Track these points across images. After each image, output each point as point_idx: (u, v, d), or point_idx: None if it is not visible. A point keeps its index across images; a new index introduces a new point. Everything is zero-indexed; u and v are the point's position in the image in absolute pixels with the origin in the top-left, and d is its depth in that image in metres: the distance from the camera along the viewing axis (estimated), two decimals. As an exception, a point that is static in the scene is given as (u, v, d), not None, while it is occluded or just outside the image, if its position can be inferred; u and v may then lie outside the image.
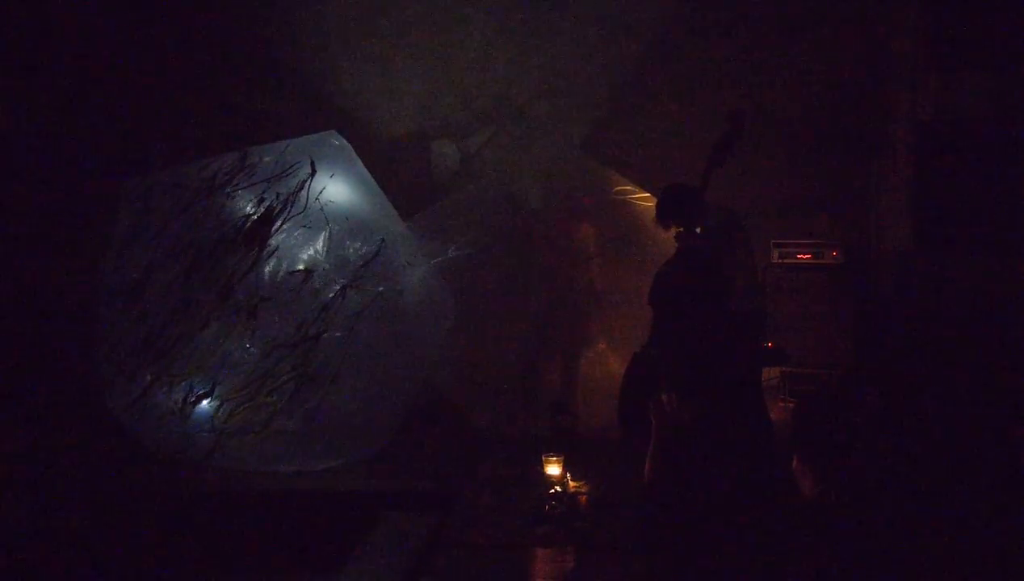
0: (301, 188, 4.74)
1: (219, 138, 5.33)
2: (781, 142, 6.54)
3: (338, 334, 4.71)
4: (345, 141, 5.00)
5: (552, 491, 4.24)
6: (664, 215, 4.08)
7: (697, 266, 3.80)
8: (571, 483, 4.40)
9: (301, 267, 4.75)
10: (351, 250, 4.82)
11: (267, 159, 4.85)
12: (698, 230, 4.03)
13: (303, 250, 4.79)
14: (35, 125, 6.32)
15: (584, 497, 4.34)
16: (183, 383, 4.72)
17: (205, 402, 4.74)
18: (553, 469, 4.40)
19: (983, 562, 3.26)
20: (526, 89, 6.67)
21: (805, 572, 2.28)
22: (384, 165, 5.38)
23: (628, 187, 5.73)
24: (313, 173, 4.77)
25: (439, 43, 6.73)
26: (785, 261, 6.32)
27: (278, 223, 4.72)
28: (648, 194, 5.65)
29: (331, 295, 4.72)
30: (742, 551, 2.92)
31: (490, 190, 5.88)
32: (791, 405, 5.67)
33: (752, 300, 4.27)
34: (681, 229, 4.05)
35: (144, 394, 4.74)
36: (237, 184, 4.78)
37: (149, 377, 4.73)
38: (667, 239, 4.77)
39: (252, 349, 4.70)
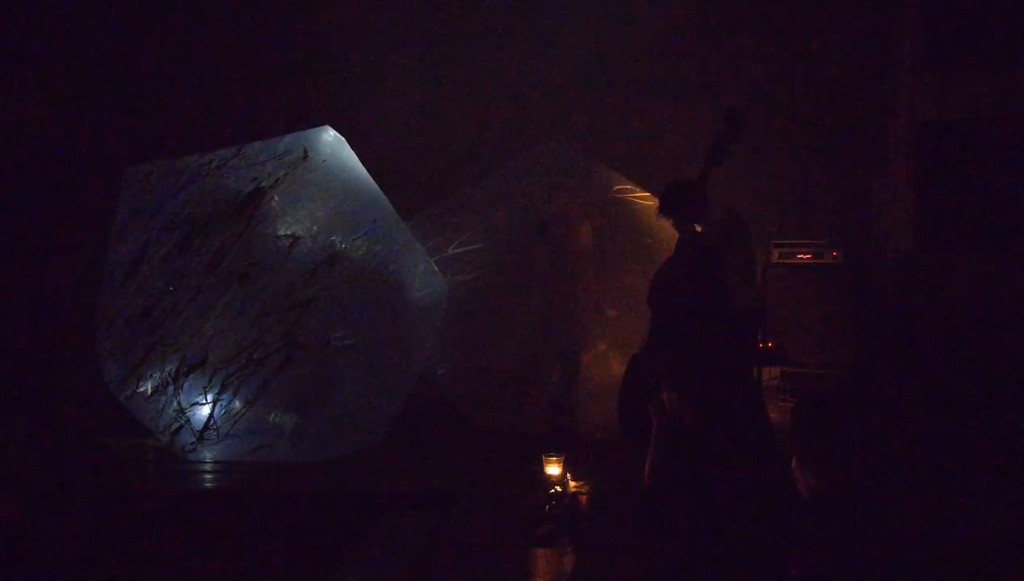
0: (294, 168, 4.88)
1: (216, 138, 5.37)
2: (781, 142, 6.55)
3: (328, 302, 4.80)
4: (339, 134, 5.06)
5: (552, 491, 4.23)
6: (667, 209, 4.08)
7: (696, 264, 3.80)
8: (571, 483, 4.39)
9: (288, 234, 4.84)
10: (341, 223, 4.92)
11: (262, 150, 4.98)
12: (699, 228, 4.03)
13: (292, 219, 4.89)
14: (37, 125, 6.34)
15: (584, 497, 4.33)
16: (176, 354, 4.79)
17: (198, 372, 4.80)
18: (553, 469, 4.39)
19: (983, 562, 3.26)
20: (526, 89, 6.68)
21: (804, 573, 2.28)
22: (382, 167, 5.40)
23: (628, 186, 5.72)
24: (305, 157, 4.90)
25: (438, 43, 6.74)
26: (785, 261, 6.32)
27: (267, 196, 4.84)
28: (648, 193, 5.64)
29: (320, 261, 4.81)
30: (741, 552, 2.92)
31: (491, 191, 5.87)
32: (791, 405, 5.67)
33: (749, 299, 4.26)
34: (682, 224, 4.05)
35: (140, 365, 4.81)
36: (232, 167, 4.92)
37: (144, 349, 4.80)
38: (667, 238, 4.75)
39: (243, 315, 4.76)
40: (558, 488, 4.25)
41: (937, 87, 6.16)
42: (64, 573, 4.04)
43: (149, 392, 4.84)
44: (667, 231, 5.24)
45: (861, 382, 5.79)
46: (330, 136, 5.05)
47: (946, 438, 4.48)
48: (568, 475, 4.40)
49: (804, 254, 6.31)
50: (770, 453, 3.63)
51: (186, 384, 4.81)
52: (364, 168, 5.14)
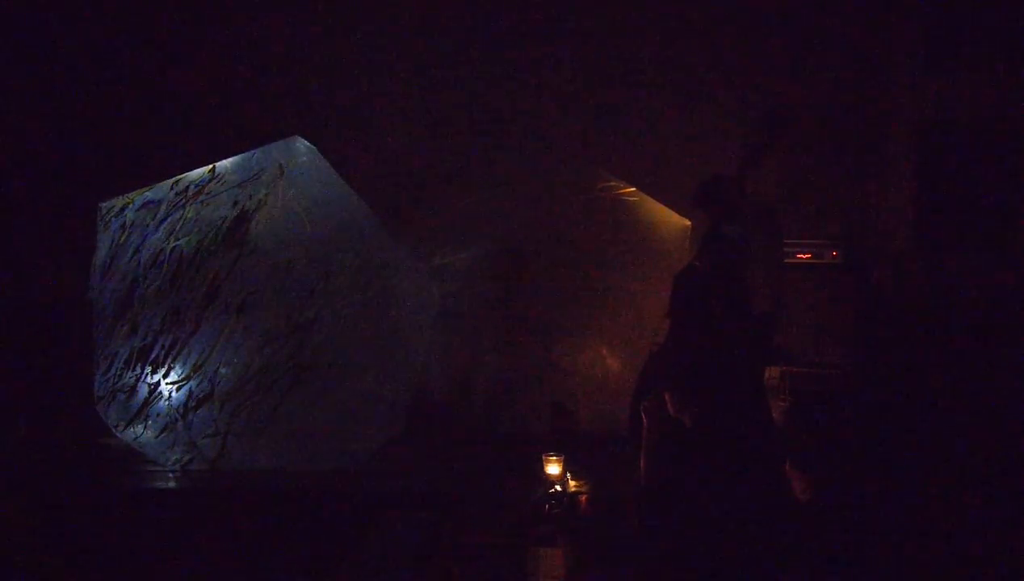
0: (272, 187, 4.88)
1: (189, 156, 5.33)
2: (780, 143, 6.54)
3: (328, 320, 4.81)
4: (311, 145, 5.04)
5: (552, 491, 4.25)
6: (699, 203, 4.06)
7: (722, 267, 3.79)
8: (571, 483, 4.41)
9: (282, 258, 4.84)
10: (329, 238, 4.91)
11: (235, 168, 4.96)
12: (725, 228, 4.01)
13: (282, 242, 4.88)
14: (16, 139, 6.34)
15: (584, 497, 4.34)
16: (182, 390, 4.76)
17: (206, 406, 4.78)
18: (553, 469, 4.41)
19: (981, 564, 3.26)
20: (519, 89, 6.64)
21: (800, 575, 2.29)
22: (365, 177, 5.40)
23: (613, 183, 5.72)
24: (282, 173, 4.90)
25: (430, 43, 6.70)
26: (785, 261, 6.32)
27: (254, 221, 4.83)
28: (634, 189, 5.64)
29: (315, 281, 4.82)
30: (739, 553, 2.92)
31: (482, 194, 5.87)
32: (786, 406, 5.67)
33: (771, 300, 4.24)
34: (713, 219, 4.02)
35: (144, 406, 4.79)
36: (210, 192, 4.89)
37: (147, 389, 4.77)
38: (664, 238, 4.76)
39: (247, 343, 4.75)
40: (558, 488, 4.27)
41: (938, 87, 6.16)
42: (63, 573, 4.05)
43: (158, 430, 4.81)
44: (654, 228, 5.24)
45: (859, 382, 5.79)
46: (302, 147, 5.02)
47: (945, 438, 4.48)
48: (568, 475, 4.41)
49: (804, 254, 6.31)
50: (772, 455, 3.63)
51: (195, 418, 4.78)
52: (340, 177, 5.10)
